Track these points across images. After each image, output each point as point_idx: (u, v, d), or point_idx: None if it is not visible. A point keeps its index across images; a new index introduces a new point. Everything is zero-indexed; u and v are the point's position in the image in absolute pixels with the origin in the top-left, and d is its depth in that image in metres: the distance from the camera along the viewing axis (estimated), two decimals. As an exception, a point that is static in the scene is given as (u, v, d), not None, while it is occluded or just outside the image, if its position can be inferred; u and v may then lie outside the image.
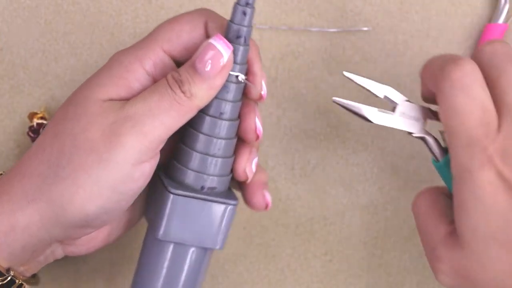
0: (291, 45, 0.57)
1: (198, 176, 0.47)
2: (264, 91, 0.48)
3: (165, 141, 0.45)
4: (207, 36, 0.47)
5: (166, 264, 0.48)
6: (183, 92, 0.44)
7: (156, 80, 0.46)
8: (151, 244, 0.48)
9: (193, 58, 0.45)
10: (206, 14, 0.47)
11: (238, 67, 0.46)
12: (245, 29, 0.45)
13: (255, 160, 0.49)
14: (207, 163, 0.47)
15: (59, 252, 0.49)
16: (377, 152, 0.57)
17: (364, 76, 0.50)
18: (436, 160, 0.50)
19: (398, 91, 0.57)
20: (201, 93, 0.44)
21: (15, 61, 0.58)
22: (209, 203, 0.47)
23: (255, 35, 0.57)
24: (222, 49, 0.44)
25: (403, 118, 0.50)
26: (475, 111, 0.42)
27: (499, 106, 0.43)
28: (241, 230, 0.58)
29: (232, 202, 0.47)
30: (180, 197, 0.46)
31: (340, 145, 0.57)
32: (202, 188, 0.47)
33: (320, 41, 0.57)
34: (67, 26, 0.58)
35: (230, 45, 0.45)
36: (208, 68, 0.44)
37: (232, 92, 0.46)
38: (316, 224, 0.58)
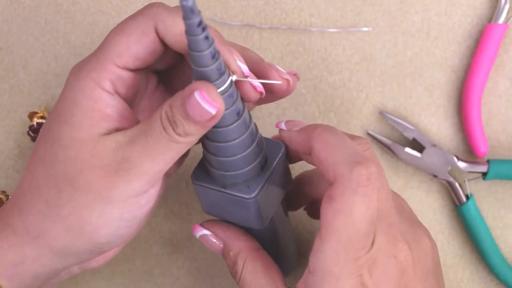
0: (291, 45, 0.57)
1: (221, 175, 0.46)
2: (259, 86, 0.45)
3: (166, 170, 0.44)
4: (160, 39, 0.44)
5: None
6: (178, 134, 0.42)
7: (122, 95, 0.44)
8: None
9: (184, 95, 0.41)
10: (152, 15, 0.44)
11: (221, 77, 0.42)
12: (213, 59, 0.41)
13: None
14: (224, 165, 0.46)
15: (75, 270, 0.49)
16: (376, 152, 0.57)
17: (397, 117, 0.54)
18: (458, 204, 0.55)
19: (398, 91, 0.57)
20: (196, 132, 0.42)
21: (15, 61, 0.58)
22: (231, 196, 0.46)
23: (255, 34, 0.57)
24: (208, 108, 0.41)
25: (429, 161, 0.55)
26: (364, 221, 0.41)
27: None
28: (241, 230, 0.58)
29: (246, 196, 0.46)
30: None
31: (340, 145, 0.57)
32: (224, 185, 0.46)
33: (320, 41, 0.57)
34: (67, 26, 0.58)
35: (215, 102, 0.41)
36: (198, 113, 0.41)
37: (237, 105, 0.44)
38: (316, 224, 0.58)
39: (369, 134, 0.57)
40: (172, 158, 0.43)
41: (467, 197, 0.56)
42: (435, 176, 0.56)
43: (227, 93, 0.42)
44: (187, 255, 0.58)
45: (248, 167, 0.45)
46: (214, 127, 0.43)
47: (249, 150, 0.45)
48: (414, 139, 0.56)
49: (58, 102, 0.45)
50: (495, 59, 0.56)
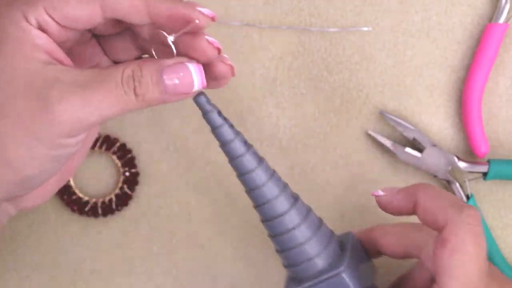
0: (291, 44, 0.57)
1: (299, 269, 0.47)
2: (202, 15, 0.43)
3: (97, 124, 0.43)
4: (104, 14, 0.43)
5: None
6: (136, 95, 0.41)
7: (43, 30, 0.42)
8: None
9: (163, 63, 0.42)
10: None
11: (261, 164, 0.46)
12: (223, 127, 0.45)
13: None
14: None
15: (11, 210, 0.47)
16: (376, 152, 0.57)
17: (397, 117, 0.54)
18: None
19: (398, 91, 0.57)
20: (152, 101, 0.42)
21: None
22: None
23: (255, 35, 0.57)
24: (196, 80, 0.42)
25: (429, 161, 0.55)
26: (481, 258, 0.43)
27: None
28: (240, 230, 0.58)
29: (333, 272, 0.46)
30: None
31: (339, 145, 0.57)
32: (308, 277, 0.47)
33: (320, 41, 0.57)
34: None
35: (204, 81, 0.42)
36: (172, 86, 0.42)
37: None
38: None
39: (369, 134, 0.57)
40: (110, 115, 0.41)
41: (468, 197, 0.56)
42: (435, 176, 0.56)
43: (273, 179, 0.46)
44: (186, 255, 0.58)
45: (325, 247, 0.47)
46: (281, 223, 0.46)
47: (322, 228, 0.47)
48: (414, 139, 0.56)
49: None
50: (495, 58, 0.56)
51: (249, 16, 0.57)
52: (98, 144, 0.57)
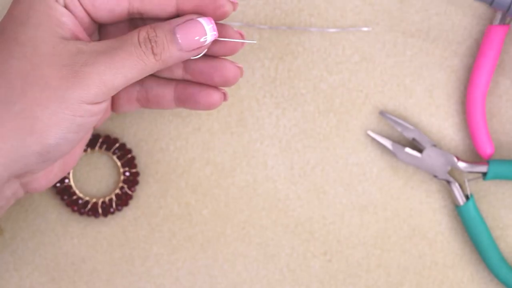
0: (291, 45, 0.57)
1: None
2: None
3: (122, 88, 0.45)
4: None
5: None
6: (154, 54, 0.44)
7: (70, 10, 0.45)
8: None
9: (174, 23, 0.45)
10: None
11: None
12: None
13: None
14: None
15: (20, 191, 0.48)
16: (376, 152, 0.57)
17: (397, 117, 0.54)
18: (458, 204, 0.55)
19: (398, 91, 0.57)
20: (170, 60, 0.45)
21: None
22: None
23: (255, 35, 0.57)
24: (209, 31, 0.45)
25: (429, 161, 0.55)
26: None
27: None
28: (240, 230, 0.58)
29: None
30: None
31: (339, 145, 0.58)
32: None
33: (319, 41, 0.57)
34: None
35: (216, 32, 0.45)
36: (187, 41, 0.45)
37: None
38: (316, 224, 0.58)
39: (369, 135, 0.57)
40: (134, 77, 0.44)
41: (467, 197, 0.56)
42: (435, 176, 0.56)
43: None
44: (186, 255, 0.58)
45: None
46: None
47: None
48: (414, 139, 0.56)
49: (12, 7, 0.45)
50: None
51: (249, 16, 0.57)
52: (98, 144, 0.57)
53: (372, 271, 0.58)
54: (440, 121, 0.57)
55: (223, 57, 0.49)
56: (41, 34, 0.44)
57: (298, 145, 0.58)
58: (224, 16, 0.46)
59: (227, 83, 0.49)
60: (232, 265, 0.58)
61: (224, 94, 0.50)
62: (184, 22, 0.45)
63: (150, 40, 0.44)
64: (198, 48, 0.45)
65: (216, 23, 0.47)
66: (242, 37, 0.48)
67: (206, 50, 0.47)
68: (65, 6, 0.45)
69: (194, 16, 0.45)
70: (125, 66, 0.43)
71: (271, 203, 0.58)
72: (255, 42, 0.51)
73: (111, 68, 0.43)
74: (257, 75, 0.57)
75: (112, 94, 0.44)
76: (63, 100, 0.42)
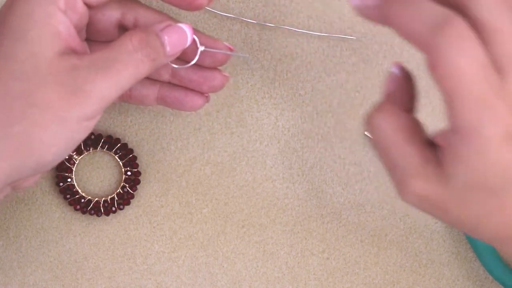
0: (289, 46, 0.57)
1: None
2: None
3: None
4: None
5: None
6: (152, 60, 0.45)
7: (68, 15, 0.44)
8: None
9: (157, 27, 0.45)
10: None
11: None
12: None
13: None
14: None
15: (7, 189, 0.47)
16: (374, 152, 0.57)
17: None
18: None
19: (394, 92, 0.57)
20: (160, 63, 0.45)
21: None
22: None
23: (254, 36, 0.57)
24: (189, 35, 0.46)
25: None
26: (475, 67, 0.38)
27: (497, 59, 0.39)
28: (240, 228, 0.58)
29: None
30: None
31: (337, 145, 0.58)
32: None
33: (318, 43, 0.57)
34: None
35: (193, 36, 0.47)
36: (172, 45, 0.45)
37: None
38: (314, 223, 0.58)
39: (366, 135, 0.57)
40: (129, 86, 0.44)
41: None
42: None
43: None
44: (187, 253, 0.58)
45: None
46: None
47: None
48: None
49: (7, 14, 0.44)
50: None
51: (249, 17, 0.57)
52: (100, 144, 0.57)
53: (369, 268, 0.58)
54: (437, 121, 0.57)
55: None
56: (39, 50, 0.43)
57: (296, 145, 0.58)
58: (199, 7, 0.47)
59: (214, 91, 0.51)
60: (231, 263, 0.58)
61: (207, 97, 0.52)
62: (166, 26, 0.46)
63: (145, 46, 0.44)
64: (179, 51, 0.46)
65: (209, 38, 0.49)
66: (231, 50, 0.50)
67: (197, 58, 0.48)
68: (66, 12, 0.44)
69: (169, 22, 0.46)
70: (121, 77, 0.43)
71: (270, 202, 0.58)
72: (247, 56, 0.52)
73: (110, 83, 0.43)
74: (257, 76, 0.57)
75: (106, 107, 0.44)
76: (63, 120, 0.42)
